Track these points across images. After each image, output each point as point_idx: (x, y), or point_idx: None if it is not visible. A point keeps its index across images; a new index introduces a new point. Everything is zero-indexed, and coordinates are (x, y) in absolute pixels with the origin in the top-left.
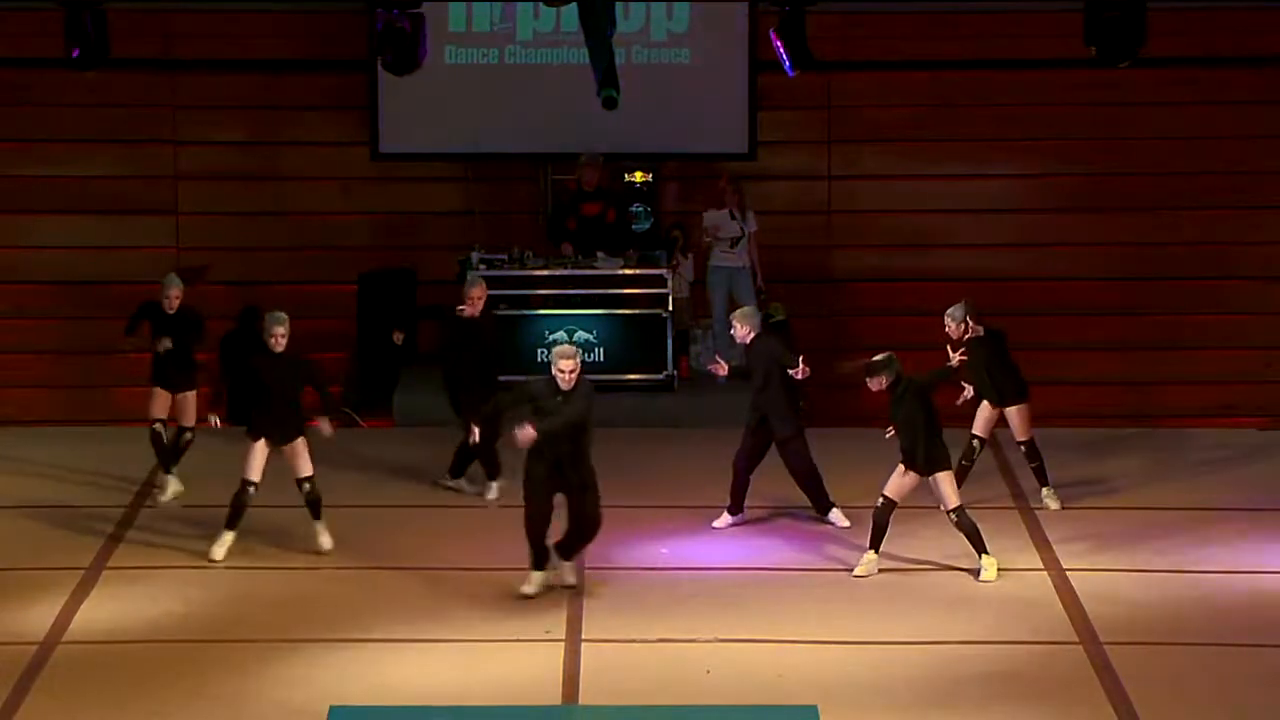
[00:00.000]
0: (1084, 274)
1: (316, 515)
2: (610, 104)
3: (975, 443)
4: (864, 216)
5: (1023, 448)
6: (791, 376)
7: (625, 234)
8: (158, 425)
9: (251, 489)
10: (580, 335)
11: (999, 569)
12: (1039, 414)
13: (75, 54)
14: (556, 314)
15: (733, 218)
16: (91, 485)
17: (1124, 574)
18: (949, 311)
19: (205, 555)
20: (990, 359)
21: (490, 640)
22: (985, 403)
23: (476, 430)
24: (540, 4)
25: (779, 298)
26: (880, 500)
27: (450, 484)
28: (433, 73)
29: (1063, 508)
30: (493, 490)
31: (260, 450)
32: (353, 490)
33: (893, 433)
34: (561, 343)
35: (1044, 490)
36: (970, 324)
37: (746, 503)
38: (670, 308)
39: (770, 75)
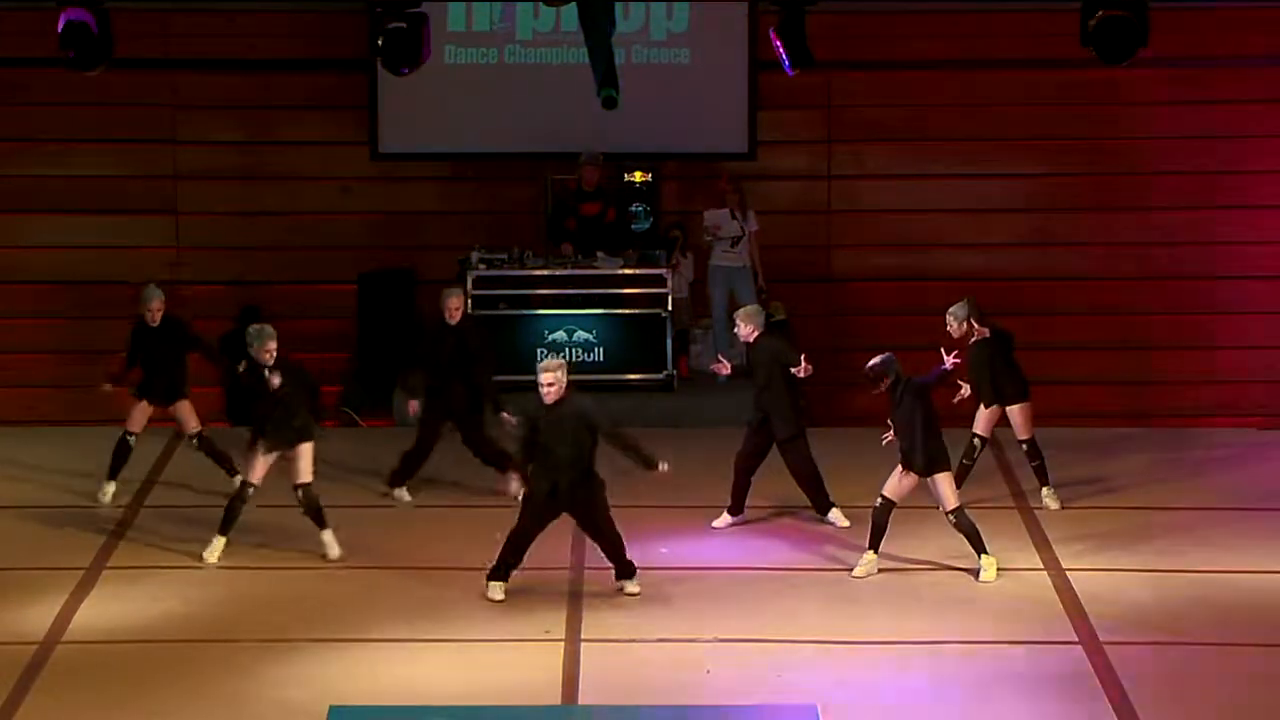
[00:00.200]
0: (1084, 274)
1: (320, 524)
2: (610, 104)
3: (976, 442)
4: (864, 216)
5: (1024, 446)
6: (793, 376)
7: (625, 234)
8: (130, 438)
9: (250, 490)
10: (580, 335)
11: (999, 569)
12: (1039, 414)
13: (71, 55)
14: (556, 314)
15: (733, 217)
16: (91, 485)
17: (1124, 574)
18: (951, 310)
19: (200, 557)
20: (994, 358)
21: (490, 640)
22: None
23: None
24: (540, 4)
25: (779, 297)
26: (879, 500)
27: (394, 493)
28: (432, 72)
29: (1063, 507)
30: (512, 484)
31: (267, 457)
32: (353, 490)
33: (890, 436)
34: (561, 343)
35: (1044, 490)
36: (973, 324)
37: (746, 503)
38: (670, 307)
39: (770, 75)
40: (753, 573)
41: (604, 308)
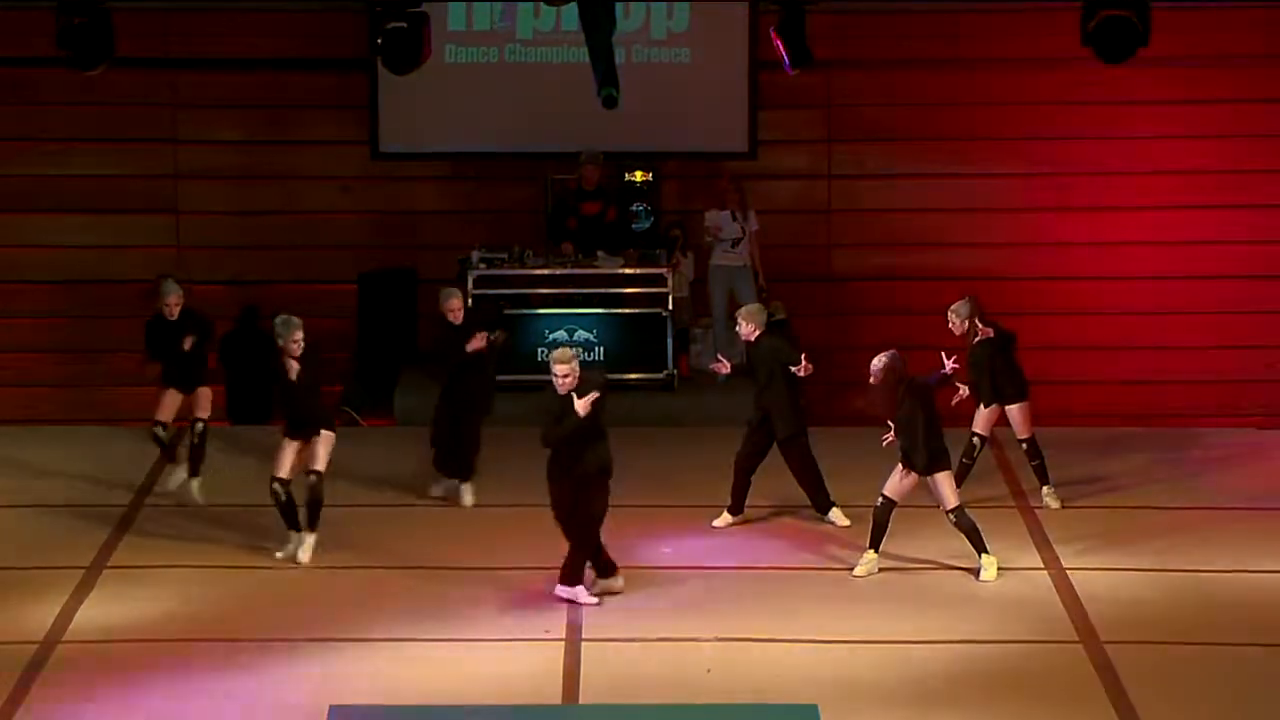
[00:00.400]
0: (1085, 274)
1: (312, 522)
2: (610, 103)
3: (976, 441)
4: (864, 216)
5: (1024, 445)
6: (794, 375)
7: (625, 233)
8: (159, 429)
9: (278, 485)
10: (580, 334)
11: (999, 568)
12: (1039, 414)
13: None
14: (556, 313)
15: (734, 219)
16: (91, 485)
17: (1124, 573)
18: (953, 308)
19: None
20: (994, 358)
21: (490, 640)
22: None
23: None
24: (540, 3)
25: (779, 297)
26: (880, 500)
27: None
28: (432, 72)
29: (1063, 507)
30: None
31: (290, 447)
32: (353, 490)
33: (890, 436)
34: (561, 343)
35: (1044, 489)
36: (975, 322)
37: (747, 502)
38: (670, 307)
39: (770, 74)
40: (753, 572)
41: (604, 307)
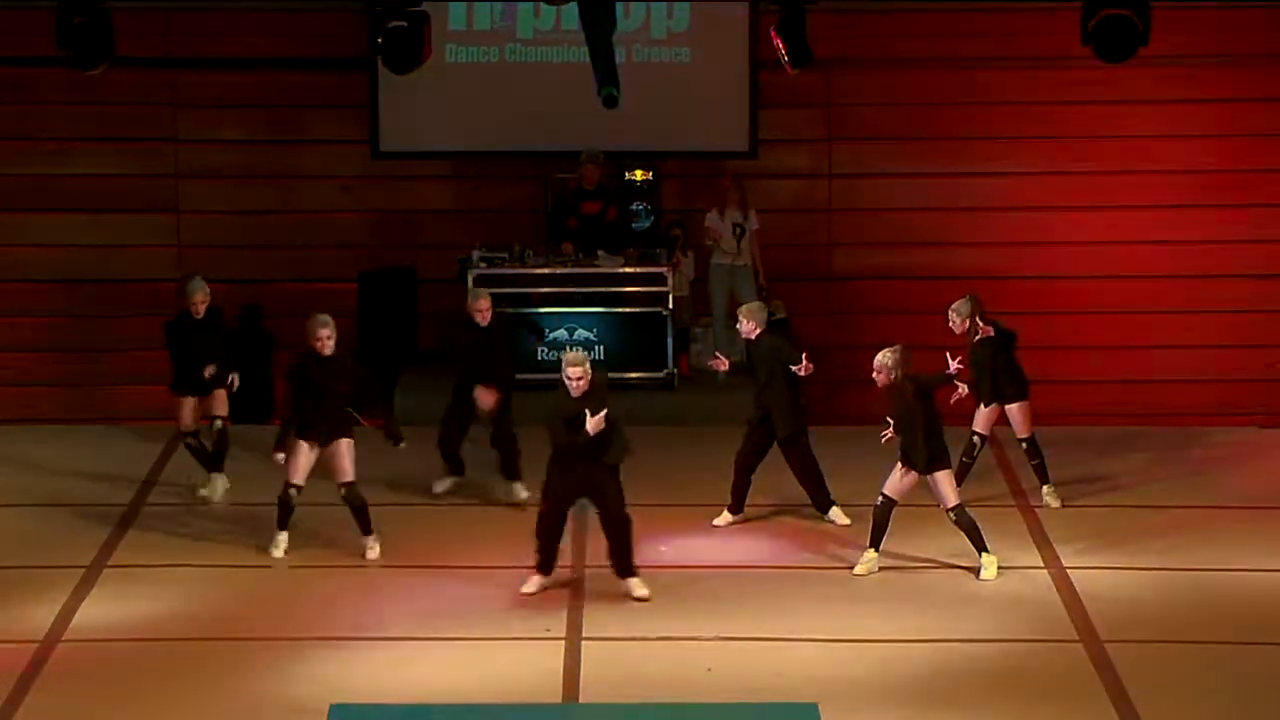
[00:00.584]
0: (1084, 273)
1: (366, 526)
2: (610, 102)
3: (976, 439)
4: (864, 215)
5: (1024, 445)
6: (794, 374)
7: (626, 232)
8: (190, 440)
9: (293, 491)
10: (580, 333)
11: (999, 567)
12: (1039, 413)
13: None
14: (557, 312)
15: (734, 234)
16: (91, 484)
17: (1124, 572)
18: (954, 306)
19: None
20: (994, 357)
21: (490, 639)
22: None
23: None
24: (541, 2)
25: (780, 296)
26: (880, 499)
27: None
28: (433, 71)
29: (1063, 506)
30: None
31: (305, 451)
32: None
33: (890, 435)
34: (563, 342)
35: (1045, 488)
36: (976, 321)
37: (747, 501)
38: (670, 306)
39: (770, 73)
40: (753, 571)
41: (605, 306)
